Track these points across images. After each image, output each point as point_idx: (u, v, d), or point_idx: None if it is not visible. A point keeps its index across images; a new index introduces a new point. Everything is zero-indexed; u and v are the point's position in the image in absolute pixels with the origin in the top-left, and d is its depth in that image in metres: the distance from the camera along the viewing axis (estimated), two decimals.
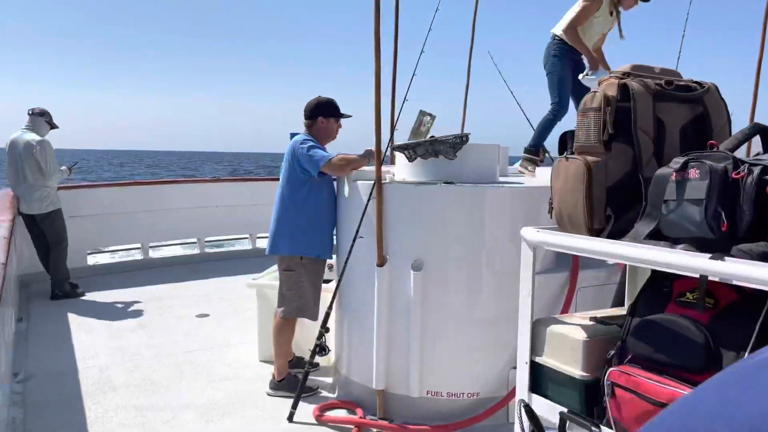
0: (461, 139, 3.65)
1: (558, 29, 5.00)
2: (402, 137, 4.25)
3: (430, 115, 4.54)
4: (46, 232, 6.40)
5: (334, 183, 4.12)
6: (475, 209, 3.61)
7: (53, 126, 6.52)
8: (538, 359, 2.15)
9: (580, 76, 4.94)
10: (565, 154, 2.11)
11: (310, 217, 4.00)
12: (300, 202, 3.99)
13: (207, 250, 8.37)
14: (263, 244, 8.65)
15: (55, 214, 6.40)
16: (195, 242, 8.32)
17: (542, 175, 4.71)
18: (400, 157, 3.98)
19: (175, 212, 8.06)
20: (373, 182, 3.67)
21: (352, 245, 3.74)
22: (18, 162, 6.24)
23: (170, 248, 8.32)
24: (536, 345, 2.16)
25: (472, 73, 6.00)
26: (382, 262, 3.66)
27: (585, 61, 5.05)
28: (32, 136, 6.26)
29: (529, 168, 5.08)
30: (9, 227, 4.52)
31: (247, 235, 8.64)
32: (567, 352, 2.02)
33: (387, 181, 3.75)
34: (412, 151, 3.71)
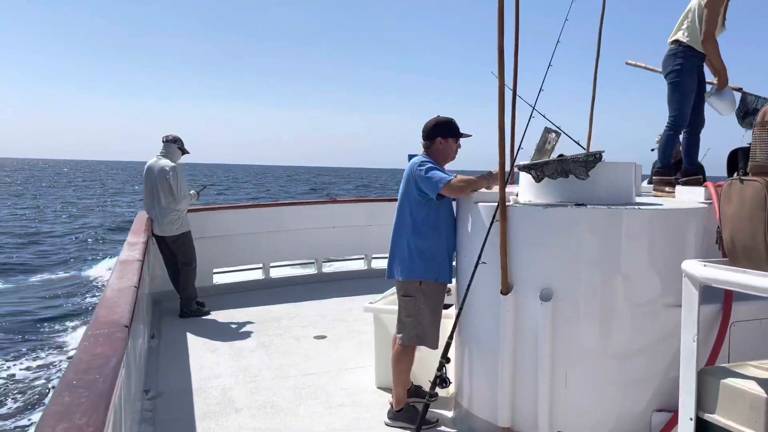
0: (594, 158, 3.36)
1: (683, 36, 4.56)
2: (525, 156, 4.01)
3: (555, 132, 4.26)
4: (176, 254, 6.73)
5: (454, 204, 3.94)
6: (611, 234, 3.28)
7: (185, 152, 6.89)
8: (707, 416, 1.83)
9: (707, 95, 4.58)
10: (737, 174, 1.80)
11: (429, 240, 3.85)
12: (418, 224, 3.86)
13: (324, 270, 8.48)
14: (378, 264, 8.66)
15: (185, 237, 6.72)
16: (313, 263, 8.45)
17: (683, 196, 4.27)
18: (525, 177, 3.74)
19: (293, 233, 8.24)
20: (496, 204, 3.46)
21: (474, 271, 3.54)
22: (153, 186, 6.62)
23: (289, 268, 8.50)
24: (703, 399, 1.84)
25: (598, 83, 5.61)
26: (507, 290, 3.42)
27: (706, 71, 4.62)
28: (166, 162, 6.64)
29: (667, 189, 4.65)
30: (142, 249, 4.75)
31: (363, 256, 8.66)
32: (746, 412, 1.70)
33: (511, 202, 3.52)
34: (539, 170, 3.46)
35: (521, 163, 3.64)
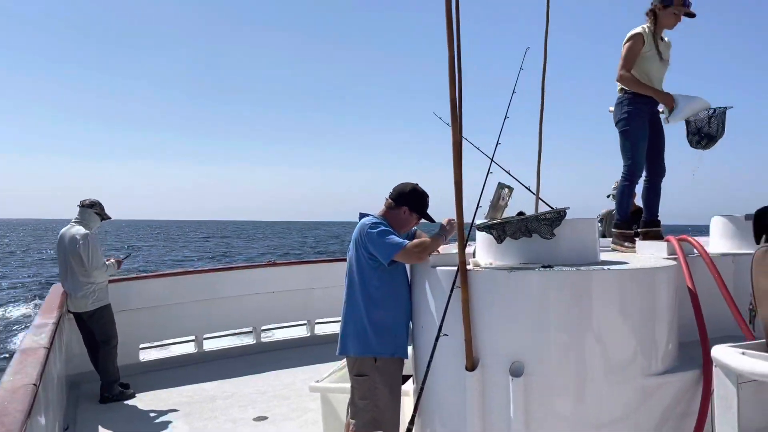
0: (559, 215, 3.10)
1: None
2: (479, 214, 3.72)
3: (508, 187, 4.02)
4: (93, 331, 6.03)
5: (408, 268, 3.59)
6: (581, 297, 3.00)
7: (104, 217, 6.27)
8: None
9: (665, 121, 4.46)
10: None
11: (383, 311, 3.47)
12: (371, 293, 3.47)
13: (263, 339, 7.88)
14: (322, 330, 8.15)
15: (102, 311, 6.03)
16: (251, 331, 7.85)
17: (645, 251, 4.08)
18: (482, 237, 3.44)
19: (229, 300, 7.66)
20: (456, 268, 3.13)
21: (435, 344, 3.16)
22: (65, 257, 5.97)
23: (225, 339, 7.86)
24: None
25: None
26: (472, 366, 3.05)
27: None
28: (78, 230, 5.99)
29: (626, 244, 4.47)
30: (51, 332, 4.13)
31: (305, 322, 8.13)
32: None
33: (471, 266, 3.20)
34: (500, 230, 3.16)
35: (481, 222, 3.34)
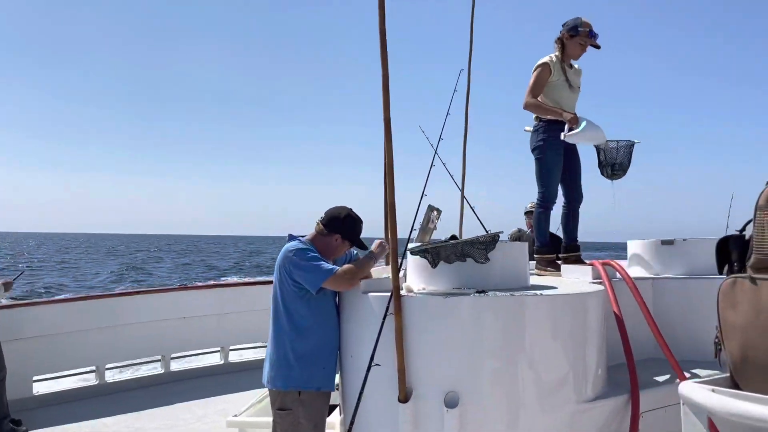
0: (493, 239, 3.04)
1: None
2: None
3: (437, 209, 3.95)
4: None
5: (336, 295, 3.42)
6: (516, 323, 2.94)
7: None
8: None
9: (562, 135, 4.51)
10: (735, 270, 1.48)
11: (309, 341, 3.27)
12: (296, 321, 3.27)
13: (173, 368, 7.39)
14: (236, 357, 7.76)
15: None
16: (159, 360, 7.34)
17: (570, 275, 4.12)
18: (413, 261, 3.33)
19: (134, 327, 7.12)
20: (388, 294, 2.99)
21: (366, 375, 2.99)
22: None
23: (130, 369, 7.30)
24: None
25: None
26: (405, 397, 2.91)
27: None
28: None
29: (550, 268, 4.51)
30: None
31: (219, 348, 7.71)
32: None
33: (405, 291, 3.07)
34: (434, 254, 3.06)
35: (414, 246, 3.23)
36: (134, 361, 7.35)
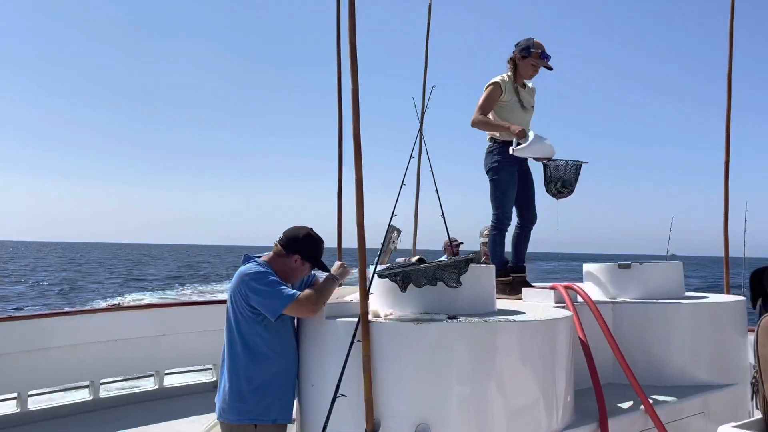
0: (466, 262, 2.92)
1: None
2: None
3: (397, 230, 3.83)
4: None
5: (294, 320, 3.21)
6: (489, 350, 2.82)
7: None
8: None
9: (511, 150, 4.46)
10: None
11: (265, 370, 3.04)
12: (251, 348, 3.04)
13: (102, 394, 6.88)
14: (172, 381, 7.32)
15: None
16: (87, 386, 6.82)
17: (531, 299, 4.06)
18: (380, 284, 3.17)
19: (60, 351, 6.58)
20: (356, 319, 2.82)
21: (331, 407, 2.80)
22: None
23: (55, 396, 6.75)
24: None
25: None
26: (373, 429, 2.74)
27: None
28: None
29: (508, 291, 4.44)
30: None
31: (153, 373, 7.25)
32: None
33: (371, 316, 2.91)
34: (404, 278, 2.92)
35: (382, 268, 3.07)
36: (60, 388, 6.82)
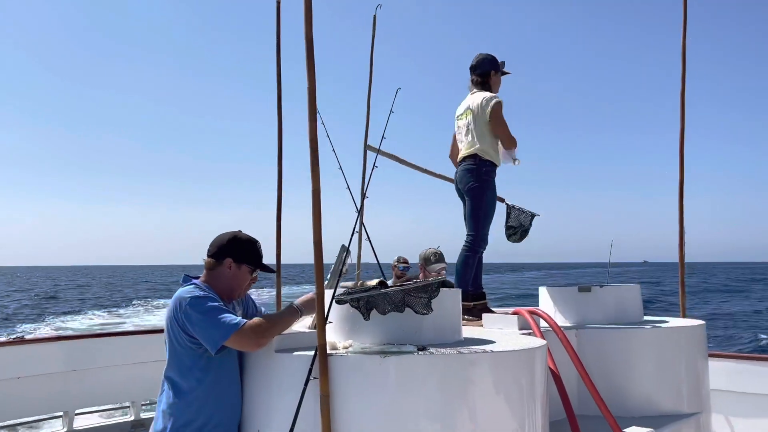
0: (438, 286, 2.60)
1: (481, 152, 4.32)
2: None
3: (348, 250, 3.47)
4: None
5: (238, 353, 2.78)
6: (467, 384, 2.49)
7: None
8: None
9: (504, 158, 4.38)
10: None
11: (203, 410, 2.60)
12: (190, 386, 2.59)
13: None
14: (83, 423, 6.56)
15: None
16: None
17: (492, 326, 3.78)
18: (337, 311, 2.79)
19: None
20: (312, 353, 2.43)
21: None
22: None
23: None
24: None
25: None
26: None
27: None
28: None
29: (466, 317, 4.14)
30: None
31: (62, 413, 6.48)
32: None
33: (331, 350, 2.52)
34: (368, 304, 2.55)
35: (342, 293, 2.69)
36: None
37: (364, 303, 2.52)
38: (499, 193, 4.48)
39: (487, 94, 4.31)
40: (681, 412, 3.77)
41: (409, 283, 2.61)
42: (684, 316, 4.77)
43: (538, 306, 4.38)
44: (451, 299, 2.99)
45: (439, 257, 5.23)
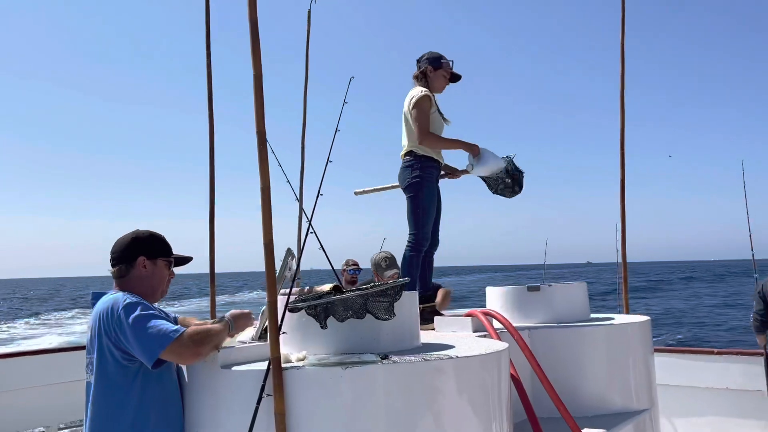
0: (400, 289, 2.41)
1: (417, 147, 4.20)
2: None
3: (293, 254, 3.24)
4: None
5: (183, 368, 2.50)
6: (434, 392, 2.32)
7: None
8: None
9: (470, 168, 4.33)
10: None
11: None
12: (124, 407, 2.29)
13: None
14: None
15: None
16: None
17: (445, 329, 3.64)
18: (288, 320, 2.56)
19: None
20: (264, 367, 2.19)
21: None
22: None
23: None
24: None
25: None
26: None
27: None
28: None
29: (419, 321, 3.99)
30: None
31: None
32: None
33: (284, 362, 2.29)
34: (324, 311, 2.33)
35: (296, 300, 2.46)
36: None
37: (322, 310, 2.29)
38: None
39: (417, 90, 4.20)
40: (632, 408, 3.75)
41: (367, 287, 2.41)
42: (627, 312, 4.81)
43: (485, 307, 4.28)
44: (408, 303, 2.81)
45: (391, 262, 5.01)
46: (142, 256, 2.51)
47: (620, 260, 6.66)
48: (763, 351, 5.24)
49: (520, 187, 4.45)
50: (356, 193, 4.77)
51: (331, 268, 3.08)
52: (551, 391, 3.21)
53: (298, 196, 4.08)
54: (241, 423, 2.18)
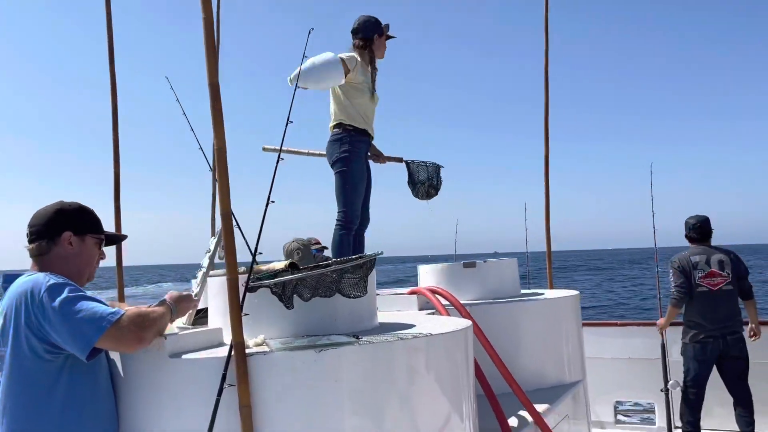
0: (372, 265, 2.21)
1: (345, 118, 3.99)
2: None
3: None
4: None
5: (117, 359, 2.14)
6: (404, 373, 2.15)
7: None
8: None
9: (289, 82, 3.92)
10: None
11: None
12: (47, 408, 1.93)
13: None
14: None
15: None
16: None
17: (389, 305, 3.49)
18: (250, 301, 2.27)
19: None
20: (225, 354, 1.92)
21: None
22: None
23: None
24: None
25: None
26: None
27: None
28: None
29: None
30: None
31: None
32: None
33: (254, 348, 2.03)
34: (294, 289, 2.08)
35: (262, 276, 2.17)
36: None
37: (291, 288, 2.04)
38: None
39: (345, 55, 3.97)
40: (566, 381, 3.81)
41: (336, 261, 2.19)
42: (551, 287, 4.89)
43: (417, 285, 4.17)
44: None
45: (303, 254, 4.66)
46: (68, 231, 2.11)
47: (527, 250, 6.97)
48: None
49: (436, 192, 4.50)
50: (264, 149, 4.38)
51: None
52: (502, 368, 3.15)
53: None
54: (197, 419, 1.89)
